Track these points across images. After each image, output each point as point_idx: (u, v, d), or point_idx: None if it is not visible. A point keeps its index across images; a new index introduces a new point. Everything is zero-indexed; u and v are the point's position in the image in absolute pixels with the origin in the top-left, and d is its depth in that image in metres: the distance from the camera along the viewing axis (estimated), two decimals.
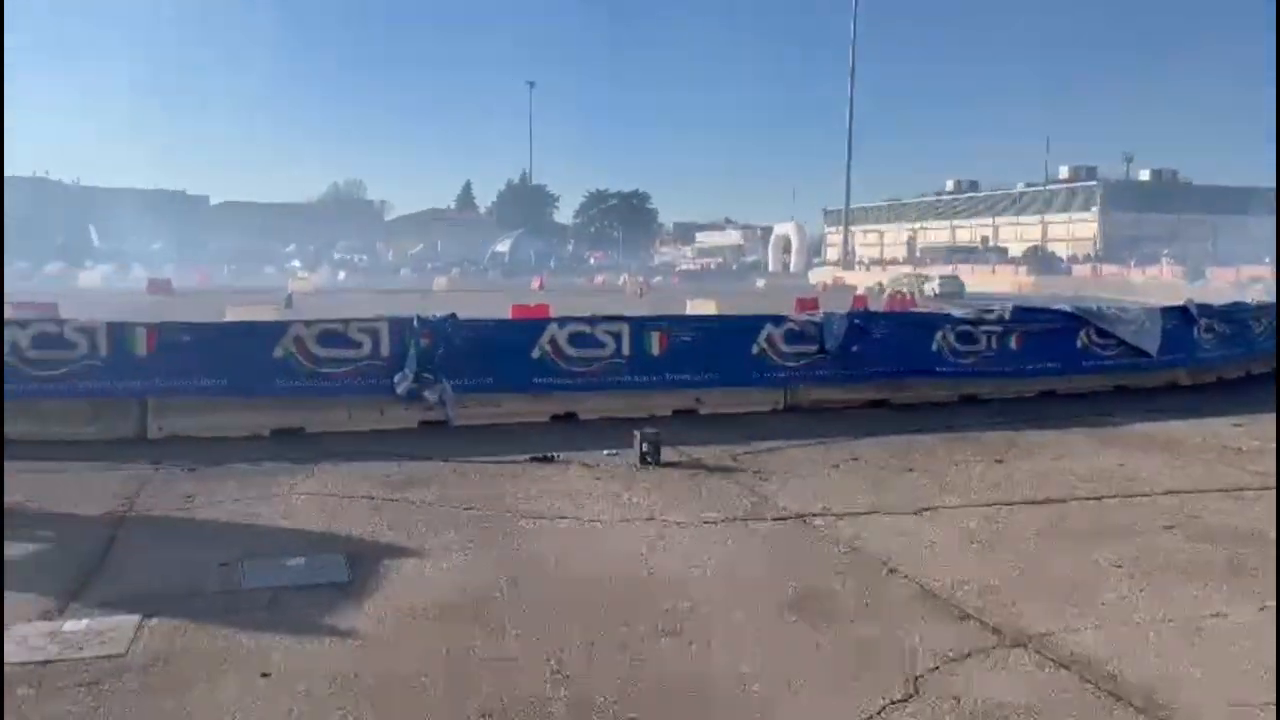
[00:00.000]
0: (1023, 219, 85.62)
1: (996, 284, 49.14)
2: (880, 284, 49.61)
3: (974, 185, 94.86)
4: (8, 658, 3.95)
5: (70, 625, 4.31)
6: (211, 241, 79.85)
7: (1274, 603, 4.59)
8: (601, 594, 4.81)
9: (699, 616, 4.52)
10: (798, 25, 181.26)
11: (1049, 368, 11.49)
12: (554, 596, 4.78)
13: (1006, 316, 11.38)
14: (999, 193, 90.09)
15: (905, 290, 38.16)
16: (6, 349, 8.34)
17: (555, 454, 7.89)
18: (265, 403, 8.86)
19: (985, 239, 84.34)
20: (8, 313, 12.09)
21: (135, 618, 4.37)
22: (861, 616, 4.55)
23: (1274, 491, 6.73)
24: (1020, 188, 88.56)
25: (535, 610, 4.59)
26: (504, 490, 6.86)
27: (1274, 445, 8.14)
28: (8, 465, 7.26)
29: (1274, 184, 49.26)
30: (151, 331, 8.74)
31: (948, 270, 53.21)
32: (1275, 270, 39.05)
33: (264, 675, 3.84)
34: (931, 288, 40.77)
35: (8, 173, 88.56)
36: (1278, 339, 12.01)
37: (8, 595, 4.64)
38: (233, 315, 14.53)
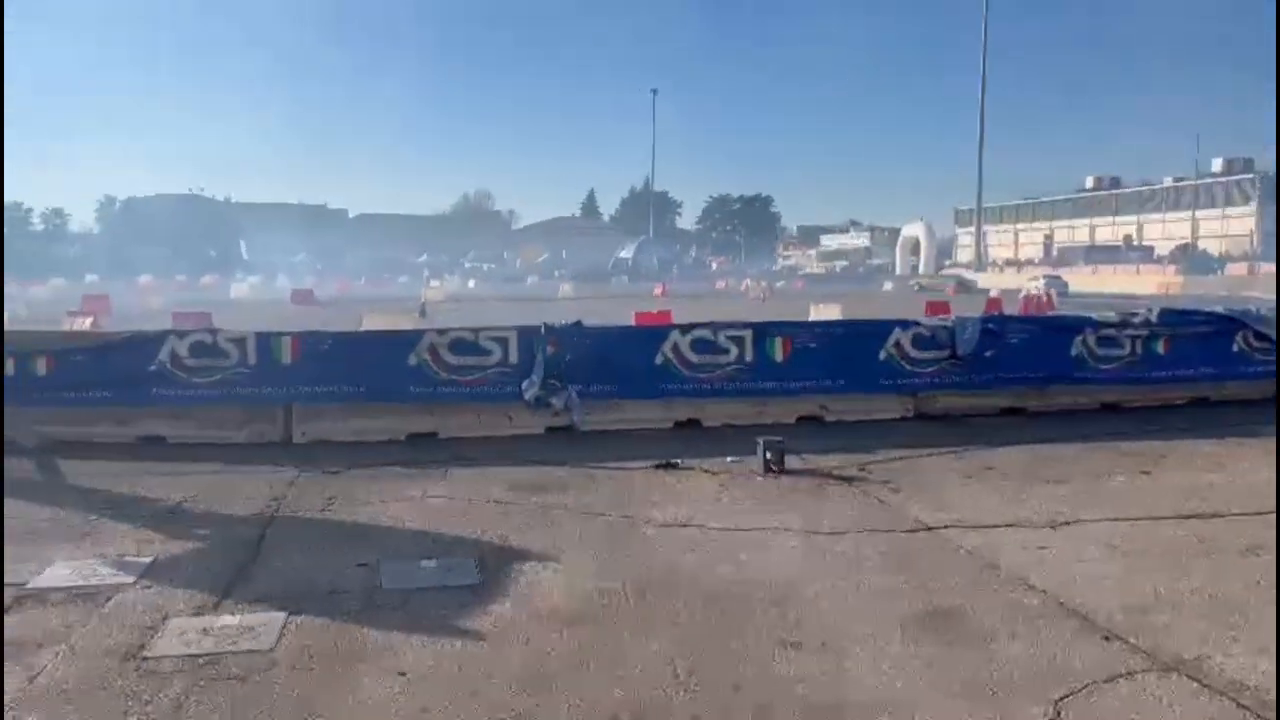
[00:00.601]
0: (1170, 215, 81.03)
1: (1140, 285, 46.68)
2: (918, 284, 48.01)
3: (1115, 181, 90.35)
4: (169, 650, 4.23)
5: (224, 620, 4.57)
6: (350, 253, 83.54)
7: None
8: (724, 602, 4.79)
9: (823, 629, 4.45)
10: (925, 19, 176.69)
11: (1201, 373, 10.82)
12: (677, 603, 4.78)
13: (1153, 319, 10.79)
14: (1144, 188, 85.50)
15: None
16: (167, 357, 8.92)
17: (679, 460, 7.91)
18: (401, 408, 9.19)
19: (1128, 237, 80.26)
20: (170, 323, 12.95)
21: (281, 615, 4.61)
22: (997, 634, 4.38)
23: None
24: (1167, 182, 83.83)
25: (659, 616, 4.61)
26: (629, 496, 6.92)
27: None
28: (173, 467, 7.81)
29: None
30: (296, 340, 9.18)
31: (1086, 271, 51.00)
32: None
33: (400, 674, 3.99)
34: (1036, 287, 39.23)
35: (167, 190, 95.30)
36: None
37: (172, 590, 4.97)
38: (370, 324, 15.11)
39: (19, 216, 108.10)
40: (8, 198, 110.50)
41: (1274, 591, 4.84)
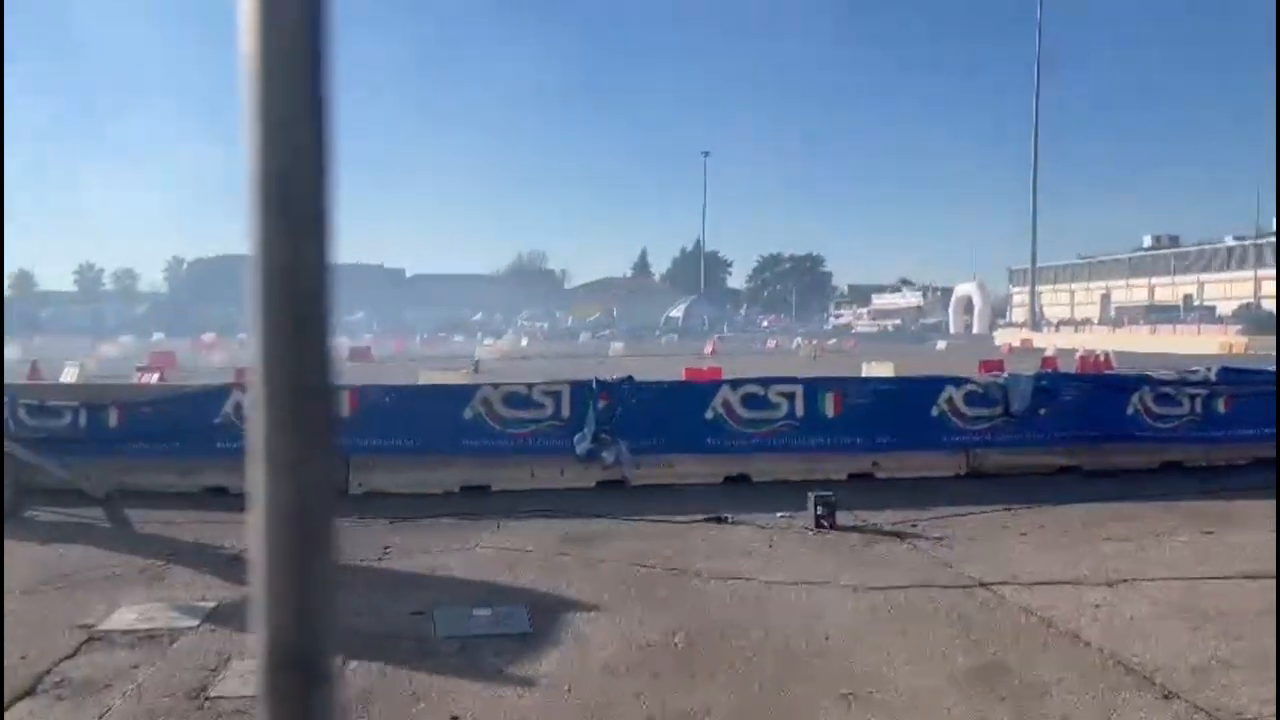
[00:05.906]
0: (1235, 274, 79.35)
1: (1202, 345, 45.56)
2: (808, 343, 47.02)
3: (1175, 240, 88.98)
4: (230, 690, 4.35)
5: None
6: (407, 311, 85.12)
7: None
8: (777, 656, 4.79)
9: (878, 684, 4.42)
10: (976, 76, 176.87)
11: (1264, 433, 10.56)
12: (729, 656, 4.79)
13: (1212, 378, 10.63)
14: (1205, 247, 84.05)
15: None
16: (231, 410, 9.20)
17: (728, 515, 7.93)
18: (455, 461, 9.34)
19: (1189, 297, 78.70)
20: (233, 379, 13.32)
21: (338, 659, 4.71)
22: (1054, 692, 4.33)
23: None
24: (1229, 241, 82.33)
25: (710, 668, 4.63)
26: (679, 549, 6.95)
27: None
28: (234, 516, 7.97)
29: None
30: (354, 394, 9.40)
31: (1145, 331, 50.03)
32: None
33: (454, 718, 4.05)
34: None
35: (232, 250, 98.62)
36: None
37: (233, 634, 5.10)
38: (426, 379, 15.39)
39: (91, 276, 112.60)
40: (83, 259, 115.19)
41: None
